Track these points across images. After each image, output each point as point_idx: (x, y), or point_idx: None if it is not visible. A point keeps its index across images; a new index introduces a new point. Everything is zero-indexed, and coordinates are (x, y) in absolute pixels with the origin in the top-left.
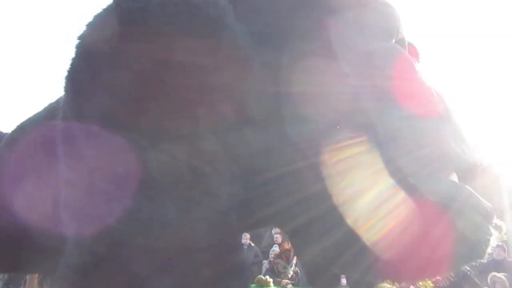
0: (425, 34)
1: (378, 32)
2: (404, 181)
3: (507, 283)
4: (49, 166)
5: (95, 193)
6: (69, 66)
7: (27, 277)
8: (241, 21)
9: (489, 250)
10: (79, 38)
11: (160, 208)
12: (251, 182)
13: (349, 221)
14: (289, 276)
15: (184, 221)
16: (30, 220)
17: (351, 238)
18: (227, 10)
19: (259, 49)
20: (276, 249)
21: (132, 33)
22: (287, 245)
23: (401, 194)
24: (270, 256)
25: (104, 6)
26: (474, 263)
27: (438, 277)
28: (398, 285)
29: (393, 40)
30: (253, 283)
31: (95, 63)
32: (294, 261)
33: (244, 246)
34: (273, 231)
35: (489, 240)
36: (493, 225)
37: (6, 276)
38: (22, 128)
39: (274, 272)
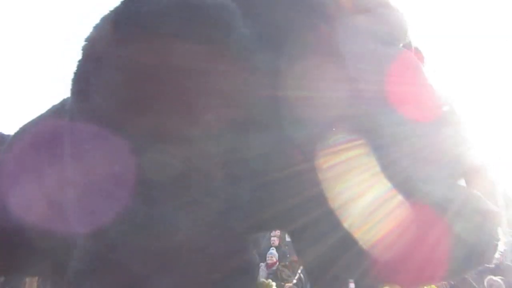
0: (425, 35)
1: (386, 37)
2: (400, 184)
3: (503, 287)
4: (45, 166)
5: (91, 193)
6: (75, 68)
7: (27, 279)
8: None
9: (493, 253)
10: (86, 40)
11: (157, 208)
12: (251, 185)
13: (346, 224)
14: (293, 282)
15: (182, 221)
16: (26, 220)
17: (348, 241)
18: (236, 14)
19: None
20: (273, 251)
21: (129, 37)
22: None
23: (397, 198)
24: (267, 258)
25: (112, 8)
26: (479, 267)
27: (437, 282)
28: None
29: (401, 44)
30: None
31: (95, 65)
32: (299, 270)
33: None
34: (272, 233)
35: (491, 242)
36: (502, 227)
37: (1, 280)
38: (24, 130)
39: (277, 277)
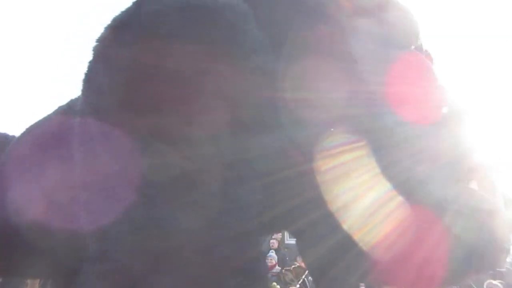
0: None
1: (398, 40)
2: (400, 185)
3: None
4: (51, 166)
5: (93, 192)
6: (86, 69)
7: (28, 281)
8: None
9: (494, 253)
10: (96, 40)
11: (157, 209)
12: (252, 186)
13: (345, 226)
14: (297, 287)
15: (182, 222)
16: (27, 220)
17: (348, 242)
18: (247, 15)
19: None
20: (272, 254)
21: (128, 37)
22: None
23: (396, 200)
24: (267, 261)
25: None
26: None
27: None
28: None
29: (413, 47)
30: None
31: (102, 66)
32: (304, 275)
33: None
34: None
35: (492, 242)
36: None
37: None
38: (30, 131)
39: (280, 280)
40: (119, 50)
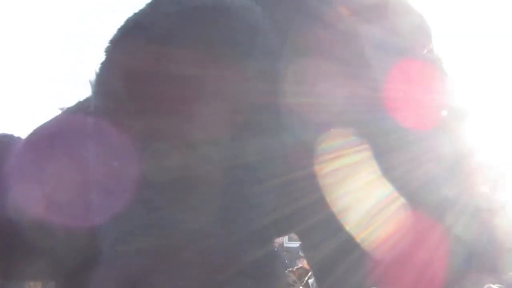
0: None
1: (399, 44)
2: (401, 188)
3: None
4: (48, 166)
5: (90, 192)
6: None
7: (31, 283)
8: None
9: (494, 253)
10: (109, 42)
11: (156, 210)
12: (253, 189)
13: (347, 228)
14: None
15: (181, 225)
16: (24, 220)
17: (349, 244)
18: (263, 17)
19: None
20: None
21: (144, 39)
22: (305, 265)
23: (398, 202)
24: None
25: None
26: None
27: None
28: None
29: (425, 51)
30: None
31: (111, 67)
32: (306, 277)
33: None
34: None
35: (492, 241)
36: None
37: None
38: (36, 132)
39: None
40: (133, 52)
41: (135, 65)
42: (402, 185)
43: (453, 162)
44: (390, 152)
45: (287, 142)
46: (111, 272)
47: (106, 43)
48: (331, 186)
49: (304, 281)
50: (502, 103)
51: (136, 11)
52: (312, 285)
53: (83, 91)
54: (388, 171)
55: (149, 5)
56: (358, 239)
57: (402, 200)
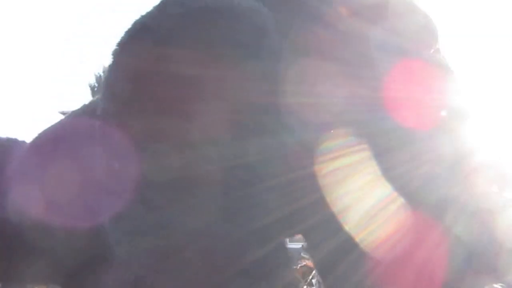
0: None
1: (400, 44)
2: (400, 188)
3: None
4: (48, 166)
5: (90, 192)
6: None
7: None
8: None
9: (494, 253)
10: (116, 45)
11: (155, 210)
12: (252, 189)
13: (347, 228)
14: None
15: (180, 225)
16: (24, 220)
17: (349, 244)
18: (270, 18)
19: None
20: None
21: (151, 41)
22: (309, 263)
23: (397, 202)
24: None
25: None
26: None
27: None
28: None
29: (432, 50)
30: None
31: (118, 70)
32: (310, 276)
33: None
34: None
35: (492, 241)
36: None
37: None
38: (40, 137)
39: None
40: (140, 54)
41: (143, 67)
42: (402, 185)
43: (453, 162)
44: (390, 152)
45: (287, 142)
46: (113, 272)
47: (105, 44)
48: (331, 186)
49: (308, 280)
50: (503, 103)
51: (143, 13)
52: (315, 284)
53: (83, 91)
54: (388, 171)
55: (156, 8)
56: (357, 239)
57: (401, 200)
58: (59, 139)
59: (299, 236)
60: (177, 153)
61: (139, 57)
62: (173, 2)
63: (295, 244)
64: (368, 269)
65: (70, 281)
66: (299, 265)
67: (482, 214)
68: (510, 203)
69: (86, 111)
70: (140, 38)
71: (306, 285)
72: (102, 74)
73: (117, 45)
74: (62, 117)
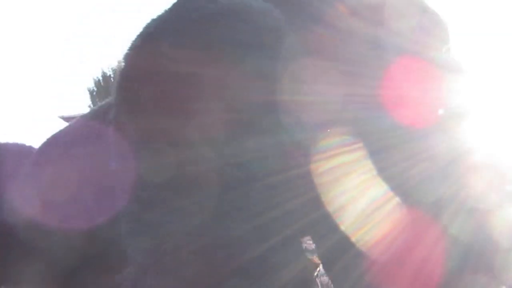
0: None
1: (399, 43)
2: (396, 187)
3: None
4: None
5: (87, 192)
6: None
7: None
8: None
9: (493, 253)
10: (128, 49)
11: (149, 210)
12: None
13: (343, 227)
14: None
15: (174, 226)
16: (20, 221)
17: (345, 244)
18: (283, 19)
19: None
20: None
21: (165, 45)
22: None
23: (393, 201)
24: None
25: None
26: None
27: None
28: None
29: (440, 50)
30: None
31: (130, 74)
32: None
33: None
34: None
35: (490, 241)
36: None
37: None
38: (49, 143)
39: None
40: (154, 58)
41: (157, 70)
42: (398, 184)
43: (450, 161)
44: (387, 150)
45: (285, 141)
46: (102, 272)
47: (105, 45)
48: (327, 185)
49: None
50: (501, 102)
51: (155, 17)
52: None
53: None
54: (384, 170)
55: (169, 11)
56: (353, 238)
57: (398, 199)
58: (69, 143)
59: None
60: (175, 152)
61: (154, 60)
62: (187, 5)
63: None
64: (366, 268)
65: (69, 281)
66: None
67: (479, 213)
68: (507, 201)
69: (96, 115)
70: (154, 41)
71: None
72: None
73: (129, 49)
74: (62, 121)
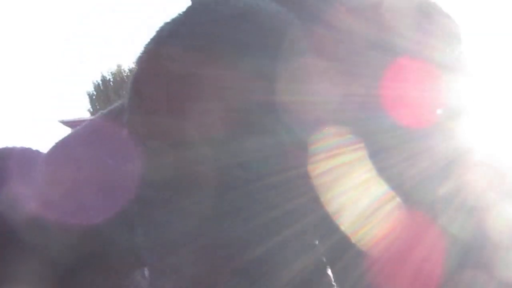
0: None
1: (397, 43)
2: (396, 187)
3: None
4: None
5: (86, 191)
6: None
7: None
8: None
9: (492, 252)
10: (142, 53)
11: (148, 209)
12: (249, 189)
13: (343, 227)
14: None
15: (173, 225)
16: (18, 217)
17: (345, 244)
18: (295, 23)
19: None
20: None
21: (179, 48)
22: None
23: (393, 201)
24: None
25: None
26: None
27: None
28: None
29: (448, 51)
30: None
31: (144, 78)
32: None
33: None
34: None
35: (489, 240)
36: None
37: None
38: (57, 147)
39: None
40: (168, 61)
41: (171, 73)
42: (398, 184)
43: (449, 161)
44: (386, 151)
45: (284, 141)
46: (99, 272)
47: (105, 45)
48: (326, 185)
49: None
50: (500, 101)
51: (168, 20)
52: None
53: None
54: (384, 170)
55: (183, 14)
56: (354, 238)
57: (398, 199)
58: (78, 145)
59: None
60: (174, 152)
61: (168, 64)
62: (202, 8)
63: None
64: (366, 267)
65: (68, 281)
66: None
67: (479, 212)
68: (506, 201)
69: (108, 117)
70: (169, 44)
71: None
72: (100, 82)
73: (142, 53)
74: (62, 125)
